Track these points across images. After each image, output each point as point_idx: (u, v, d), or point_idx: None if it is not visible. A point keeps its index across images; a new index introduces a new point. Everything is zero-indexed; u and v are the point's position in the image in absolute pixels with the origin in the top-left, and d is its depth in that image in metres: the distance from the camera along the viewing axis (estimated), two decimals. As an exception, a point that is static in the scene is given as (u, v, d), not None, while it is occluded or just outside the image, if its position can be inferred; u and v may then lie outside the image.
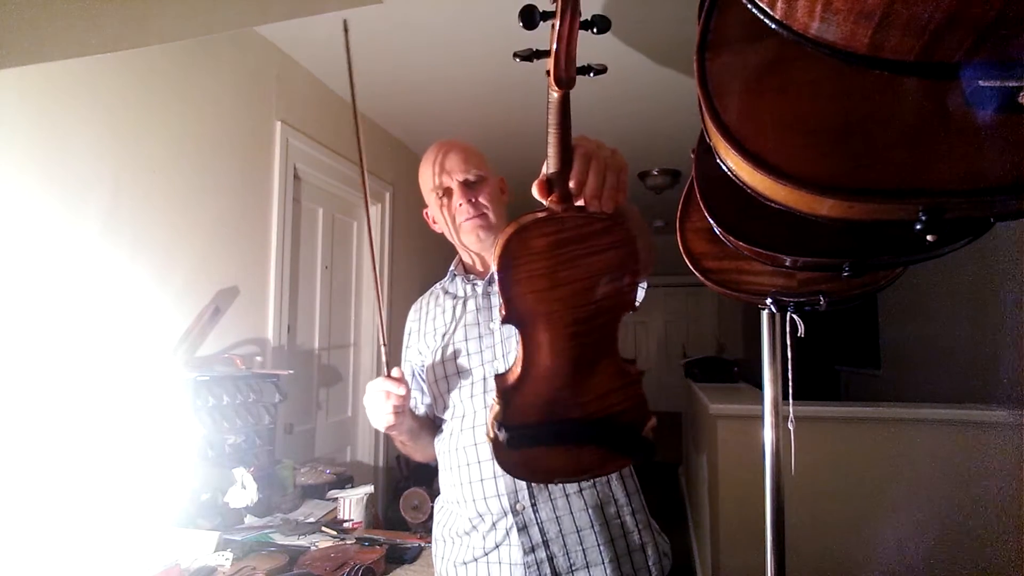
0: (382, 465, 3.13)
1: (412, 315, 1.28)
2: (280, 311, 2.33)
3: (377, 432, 3.11)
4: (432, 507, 1.84)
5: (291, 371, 2.16)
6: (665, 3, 2.01)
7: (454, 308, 1.18)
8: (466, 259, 1.25)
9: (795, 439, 1.11)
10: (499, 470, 1.02)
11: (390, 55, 2.39)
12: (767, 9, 0.42)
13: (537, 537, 1.02)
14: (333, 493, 1.99)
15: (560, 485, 1.03)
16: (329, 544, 1.56)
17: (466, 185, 1.15)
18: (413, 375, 1.23)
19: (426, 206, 1.24)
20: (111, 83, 1.64)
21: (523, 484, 1.03)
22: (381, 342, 1.14)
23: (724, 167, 0.53)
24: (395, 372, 1.05)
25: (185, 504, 1.63)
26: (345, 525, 1.76)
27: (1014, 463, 2.22)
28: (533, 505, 1.03)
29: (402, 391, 1.02)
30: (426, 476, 3.14)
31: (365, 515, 1.85)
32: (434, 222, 1.24)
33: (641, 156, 3.75)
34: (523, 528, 1.02)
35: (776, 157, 0.47)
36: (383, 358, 1.10)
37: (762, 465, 1.12)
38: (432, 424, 1.22)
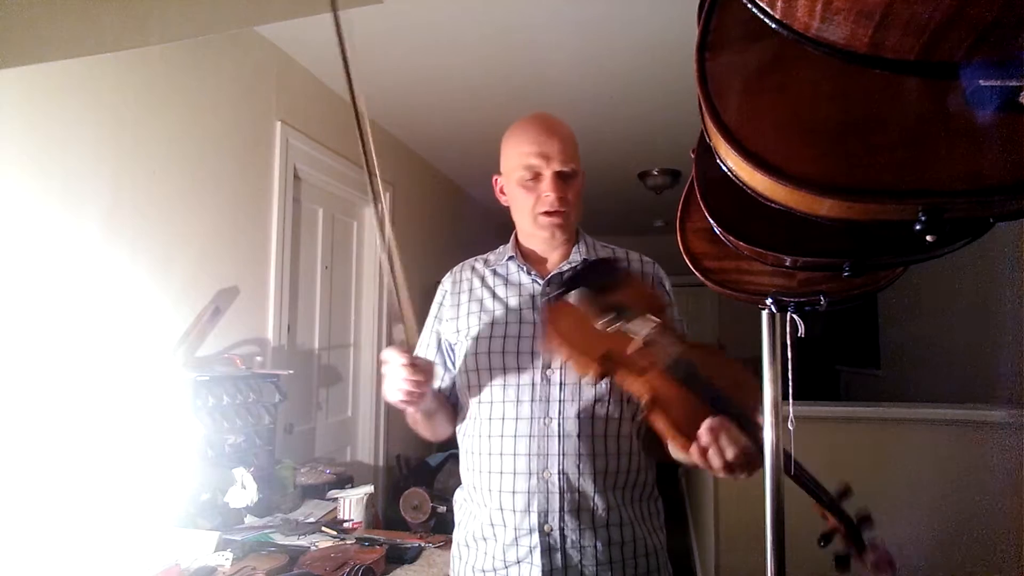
0: (382, 465, 3.13)
1: (448, 285, 1.19)
2: (280, 311, 2.33)
3: (377, 432, 3.11)
4: (432, 507, 1.84)
5: (291, 371, 2.16)
6: (665, 2, 2.01)
7: (506, 296, 1.11)
8: (526, 244, 1.16)
9: (795, 439, 1.11)
10: (535, 486, 1.00)
11: (390, 55, 2.39)
12: (767, 8, 0.42)
13: (559, 562, 0.99)
14: (333, 493, 1.99)
15: (592, 516, 1.00)
16: (329, 544, 1.56)
17: (560, 177, 1.07)
18: (439, 347, 1.16)
19: (498, 173, 1.16)
20: (111, 83, 1.64)
21: (556, 506, 1.00)
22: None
23: (724, 167, 0.53)
24: (420, 356, 0.96)
25: (185, 504, 1.63)
26: (345, 525, 1.76)
27: (1014, 463, 2.22)
28: (561, 529, 1.00)
29: (420, 381, 0.92)
30: (426, 476, 3.14)
31: (365, 515, 1.85)
32: (502, 193, 1.16)
33: (641, 156, 3.75)
34: (547, 550, 0.99)
35: (776, 157, 0.47)
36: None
37: (762, 465, 1.12)
38: (450, 404, 1.16)
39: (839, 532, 0.68)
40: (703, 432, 0.73)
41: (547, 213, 1.08)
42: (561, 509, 1.00)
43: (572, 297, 0.93)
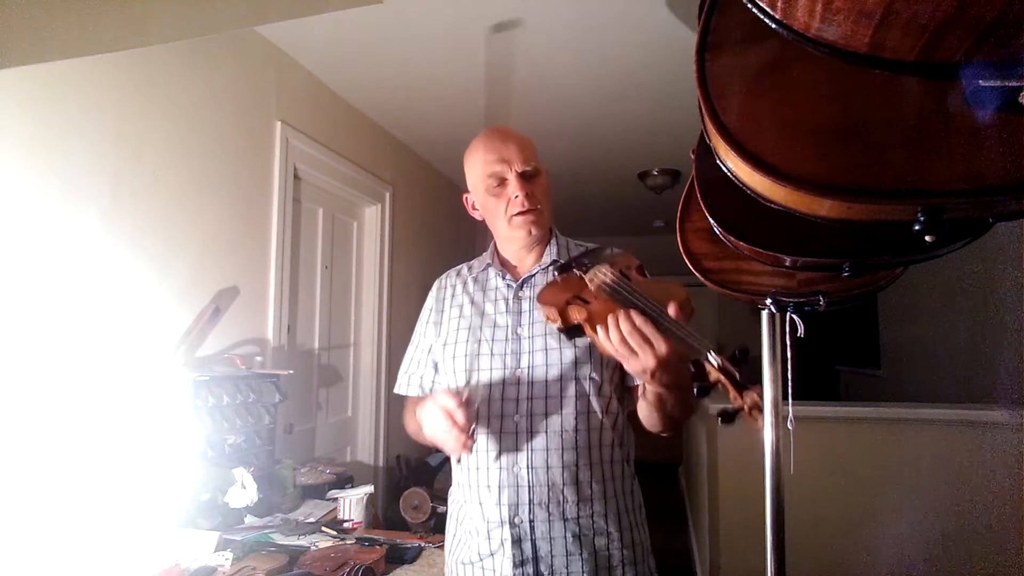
0: (382, 465, 3.13)
1: (434, 292, 1.26)
2: (280, 311, 2.33)
3: (377, 432, 3.11)
4: (432, 507, 1.85)
5: (291, 371, 2.16)
6: (665, 2, 2.01)
7: (483, 301, 1.17)
8: (503, 252, 1.23)
9: (795, 439, 1.11)
10: (506, 480, 1.05)
11: (390, 55, 2.39)
12: (768, 9, 0.42)
13: (529, 552, 1.03)
14: (333, 493, 1.99)
15: (561, 508, 1.04)
16: (329, 544, 1.56)
17: (524, 177, 1.13)
18: (429, 352, 1.23)
19: (467, 191, 1.22)
20: (111, 83, 1.64)
21: (526, 499, 1.04)
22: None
23: (724, 168, 0.53)
24: (464, 393, 1.01)
25: (185, 504, 1.63)
26: (345, 525, 1.76)
27: (1014, 463, 2.22)
28: (531, 521, 1.04)
29: (462, 421, 0.97)
30: (426, 476, 3.14)
31: (365, 515, 1.85)
32: (475, 208, 1.21)
33: (641, 156, 3.75)
34: (517, 541, 1.04)
35: (775, 158, 0.47)
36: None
37: (762, 465, 1.12)
38: None
39: (722, 382, 0.78)
40: (608, 318, 0.85)
41: (520, 213, 1.13)
42: (531, 502, 1.04)
43: (560, 272, 1.10)
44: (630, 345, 0.82)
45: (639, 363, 0.84)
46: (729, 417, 0.77)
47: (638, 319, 0.83)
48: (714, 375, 0.77)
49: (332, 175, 2.74)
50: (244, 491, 1.74)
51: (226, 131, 2.08)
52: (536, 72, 2.55)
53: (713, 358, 0.78)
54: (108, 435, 1.51)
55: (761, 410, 0.75)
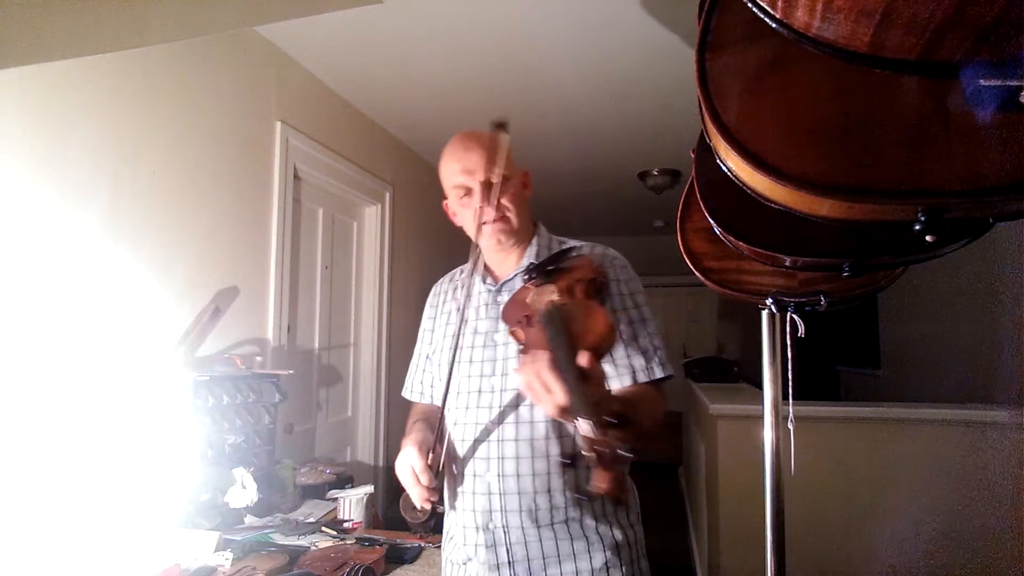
0: (382, 465, 3.13)
1: (430, 299, 1.28)
2: (280, 311, 2.33)
3: (377, 432, 3.11)
4: (433, 507, 1.84)
5: (291, 371, 2.16)
6: (665, 2, 2.01)
7: (467, 307, 1.16)
8: (485, 255, 1.21)
9: (795, 439, 1.11)
10: (479, 487, 1.06)
11: (390, 55, 2.39)
12: (768, 8, 0.42)
13: (504, 557, 1.04)
14: (333, 493, 1.99)
15: (534, 515, 1.03)
16: (329, 544, 1.56)
17: (487, 186, 1.10)
18: (427, 358, 1.24)
19: (445, 198, 1.22)
20: (111, 83, 1.64)
21: (497, 506, 1.04)
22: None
23: (724, 167, 0.53)
24: (428, 459, 1.02)
25: (185, 504, 1.63)
26: (345, 525, 1.76)
27: (1014, 463, 2.22)
28: (504, 526, 1.04)
29: (425, 483, 1.00)
30: (426, 476, 3.13)
31: (365, 515, 1.85)
32: (454, 215, 1.22)
33: (641, 156, 3.75)
34: (491, 546, 1.04)
35: (776, 157, 0.47)
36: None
37: (762, 465, 1.12)
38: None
39: (591, 459, 0.67)
40: (522, 358, 0.84)
41: (486, 223, 1.11)
42: (503, 509, 1.04)
43: (526, 282, 1.07)
44: (534, 390, 0.78)
45: (545, 407, 0.79)
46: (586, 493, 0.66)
47: (542, 367, 0.77)
48: (586, 447, 0.68)
49: (332, 175, 2.74)
50: (244, 491, 1.73)
51: (226, 131, 2.08)
52: (536, 72, 2.55)
53: (585, 428, 0.68)
54: (108, 435, 1.51)
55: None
